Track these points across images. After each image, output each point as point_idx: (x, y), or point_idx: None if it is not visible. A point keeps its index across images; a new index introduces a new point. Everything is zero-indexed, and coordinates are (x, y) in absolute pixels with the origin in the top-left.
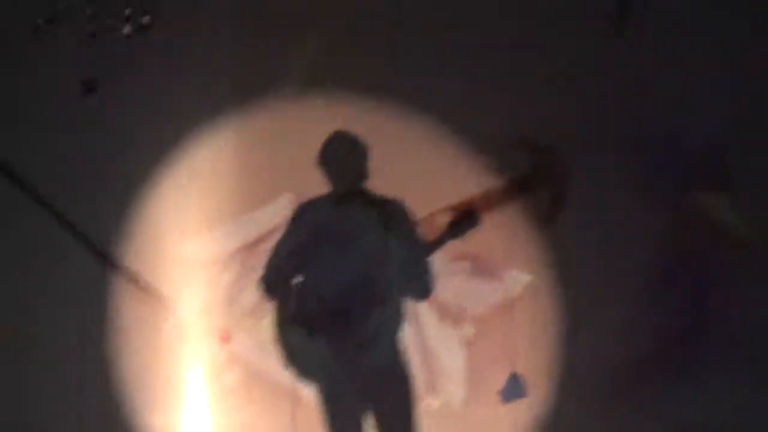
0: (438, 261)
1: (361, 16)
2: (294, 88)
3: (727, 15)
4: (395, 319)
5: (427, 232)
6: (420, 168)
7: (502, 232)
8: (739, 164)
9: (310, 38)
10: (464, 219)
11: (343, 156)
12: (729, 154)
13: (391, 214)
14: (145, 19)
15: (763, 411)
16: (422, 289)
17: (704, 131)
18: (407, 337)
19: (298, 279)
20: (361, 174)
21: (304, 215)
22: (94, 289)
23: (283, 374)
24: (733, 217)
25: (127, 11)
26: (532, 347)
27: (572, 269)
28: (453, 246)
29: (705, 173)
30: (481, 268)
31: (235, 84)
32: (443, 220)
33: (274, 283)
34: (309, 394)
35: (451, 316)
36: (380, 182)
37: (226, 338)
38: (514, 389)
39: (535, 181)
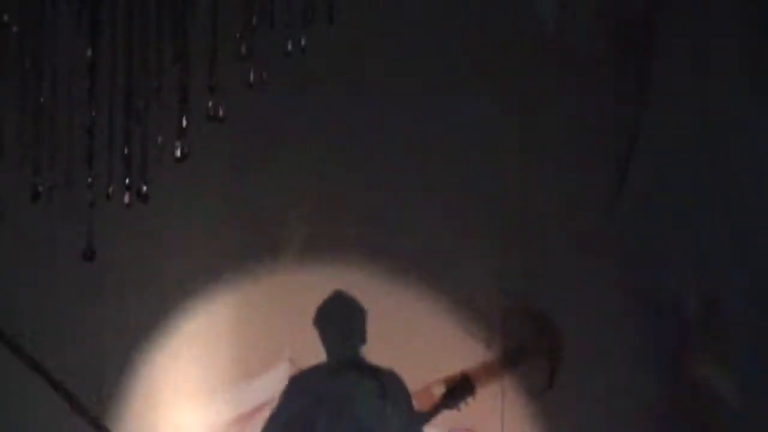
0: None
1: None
2: (289, 255)
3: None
4: None
5: (422, 403)
6: (413, 338)
7: (497, 404)
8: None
9: (298, 210)
10: (459, 389)
11: (341, 317)
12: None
13: (387, 385)
14: (144, 188)
15: None
16: None
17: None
18: None
19: None
20: (360, 337)
21: (299, 386)
22: None
23: None
24: (728, 389)
25: (127, 180)
26: None
27: None
28: (448, 417)
29: (702, 343)
30: None
31: (230, 250)
32: (438, 391)
33: None
34: None
35: None
36: (374, 351)
37: None
38: None
39: (531, 352)
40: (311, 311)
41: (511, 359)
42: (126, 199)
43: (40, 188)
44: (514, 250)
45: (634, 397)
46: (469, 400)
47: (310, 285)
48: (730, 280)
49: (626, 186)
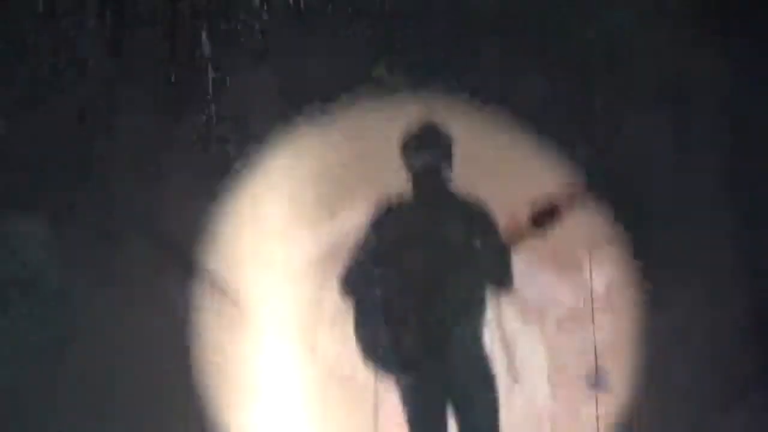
0: (520, 259)
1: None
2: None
3: None
4: (479, 316)
5: (509, 230)
6: (502, 171)
7: (584, 230)
8: None
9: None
10: (546, 215)
11: (428, 145)
12: None
13: (474, 214)
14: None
15: None
16: (505, 285)
17: None
18: (491, 333)
19: (378, 272)
20: (447, 166)
21: (386, 217)
22: (177, 292)
23: (365, 374)
24: None
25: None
26: (617, 341)
27: (659, 262)
28: (535, 244)
29: None
30: (563, 266)
31: (314, 88)
32: (525, 217)
33: (355, 282)
34: (391, 392)
35: (533, 313)
36: (461, 180)
37: (312, 347)
38: (598, 383)
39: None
40: (395, 146)
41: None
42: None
43: None
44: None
45: (715, 222)
46: (557, 225)
47: (395, 120)
48: None
49: None
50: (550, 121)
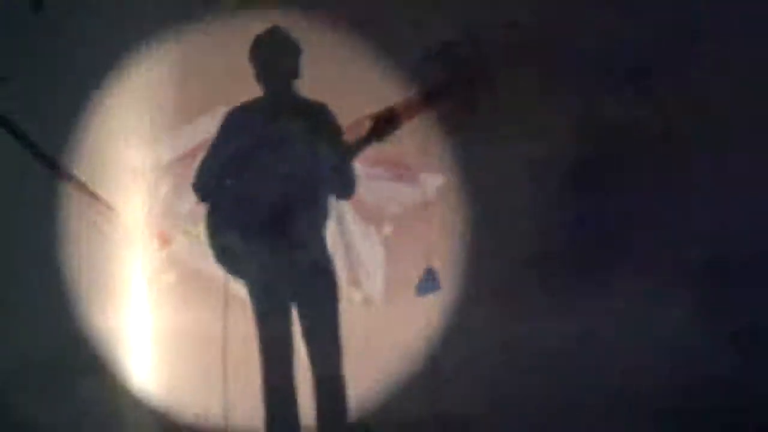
0: (359, 165)
1: None
2: (226, 6)
3: None
4: (323, 219)
5: (352, 137)
6: (345, 79)
7: (417, 139)
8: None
9: None
10: (385, 123)
11: (275, 49)
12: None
13: (319, 120)
14: None
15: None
16: (346, 189)
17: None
18: (332, 235)
19: (230, 183)
20: (293, 70)
21: (236, 121)
22: (45, 197)
23: (216, 272)
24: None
25: None
26: (446, 244)
27: (485, 170)
28: (373, 151)
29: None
30: (398, 172)
31: (170, 2)
32: (366, 126)
33: (207, 187)
34: (240, 289)
35: (371, 216)
36: (307, 89)
37: (165, 241)
38: (429, 283)
39: (451, 87)
40: (245, 57)
41: (432, 96)
42: None
43: None
44: None
45: (542, 130)
46: (395, 131)
47: (246, 33)
48: None
49: None
50: (387, 33)
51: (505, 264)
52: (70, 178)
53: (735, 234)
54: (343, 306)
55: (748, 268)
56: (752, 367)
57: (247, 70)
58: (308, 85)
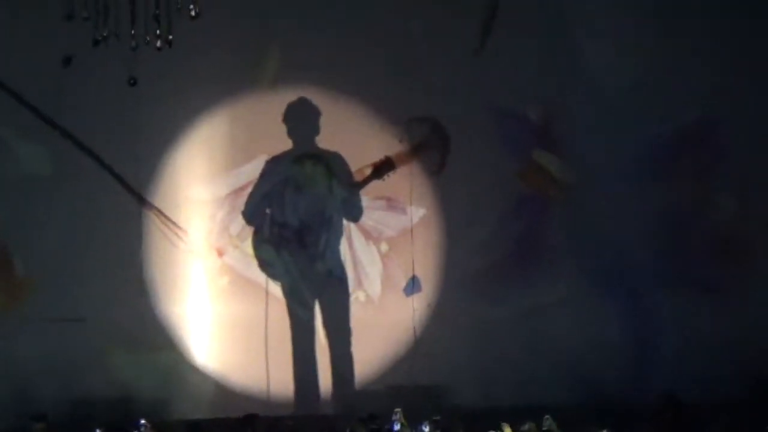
0: (364, 198)
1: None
2: (266, 85)
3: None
4: (336, 239)
5: (357, 177)
6: (353, 135)
7: (407, 180)
8: (565, 131)
9: (273, 52)
10: (384, 165)
11: (302, 113)
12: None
13: (333, 165)
14: (170, 37)
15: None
16: (354, 215)
17: (544, 110)
18: (344, 251)
19: (268, 211)
20: (314, 128)
21: (271, 168)
22: (131, 219)
23: (259, 277)
24: (559, 170)
25: (158, 31)
26: (426, 258)
27: (453, 205)
28: (374, 188)
29: (542, 138)
30: (393, 204)
31: (225, 78)
32: (368, 171)
33: (252, 214)
34: (276, 290)
35: (372, 237)
36: (324, 141)
37: (221, 253)
38: (413, 286)
39: (428, 146)
40: (279, 120)
41: (415, 150)
42: (158, 44)
43: (99, 38)
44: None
45: (494, 177)
46: (390, 173)
47: (281, 102)
48: None
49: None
50: (386, 99)
51: (468, 270)
52: (151, 206)
53: None
54: (352, 303)
55: None
56: None
57: (282, 130)
58: (325, 140)
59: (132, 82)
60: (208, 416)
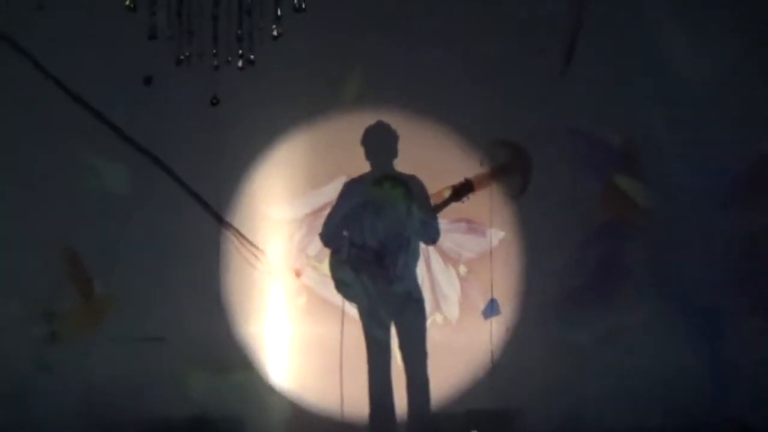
0: (443, 221)
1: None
2: (346, 103)
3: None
4: (414, 261)
5: (436, 202)
6: (432, 158)
7: (487, 203)
8: (646, 155)
9: (354, 73)
10: (463, 188)
11: (380, 137)
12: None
13: (412, 188)
14: (252, 56)
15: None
16: (432, 238)
17: (626, 133)
18: (421, 273)
19: (346, 233)
20: (393, 151)
21: (350, 190)
22: (211, 239)
23: (336, 298)
24: (639, 195)
25: (240, 52)
26: (505, 281)
27: (533, 228)
28: (454, 210)
29: (623, 162)
30: (472, 227)
31: (307, 101)
32: (447, 193)
33: (330, 236)
34: (354, 312)
35: (451, 259)
36: (402, 165)
37: (298, 274)
38: (492, 309)
39: (510, 168)
40: (358, 140)
41: (496, 173)
42: (239, 63)
43: (182, 57)
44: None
45: (574, 201)
46: (470, 196)
47: (359, 125)
48: None
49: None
50: (466, 122)
51: (547, 294)
52: (230, 227)
53: None
54: (429, 325)
55: None
56: None
57: (360, 152)
58: (404, 162)
59: (214, 101)
60: None
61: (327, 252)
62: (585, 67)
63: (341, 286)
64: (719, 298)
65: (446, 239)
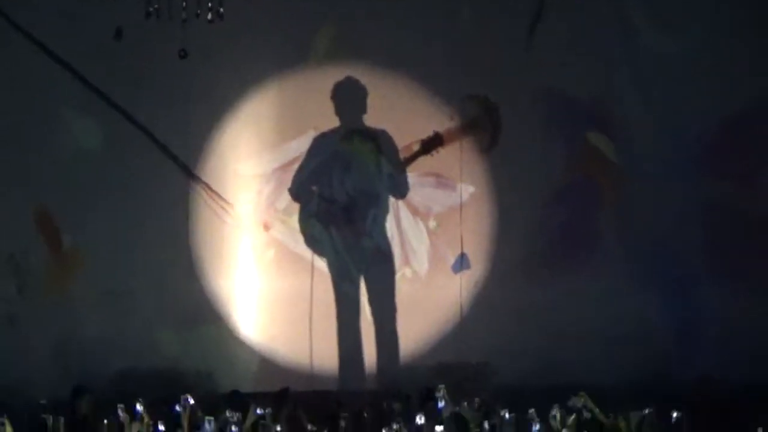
0: (412, 174)
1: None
2: (315, 58)
3: None
4: (383, 215)
5: (405, 154)
6: (401, 113)
7: (457, 157)
8: (617, 112)
9: (324, 28)
10: (432, 141)
11: (349, 92)
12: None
13: (381, 142)
14: (221, 9)
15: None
16: (401, 192)
17: (595, 93)
18: (391, 227)
19: (315, 187)
20: (362, 107)
21: (319, 145)
22: (180, 193)
23: (305, 252)
24: (611, 151)
25: (209, 3)
26: (474, 236)
27: (503, 183)
28: (423, 164)
29: (594, 121)
30: (442, 181)
31: (276, 56)
32: (416, 146)
33: (298, 191)
34: (322, 265)
35: (420, 213)
36: (372, 119)
37: (267, 228)
38: (461, 264)
39: (480, 123)
40: (328, 96)
41: (466, 127)
42: (209, 16)
43: (151, 9)
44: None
45: (546, 157)
46: (439, 150)
47: (329, 80)
48: None
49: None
50: (436, 79)
51: (517, 250)
52: (200, 180)
53: None
54: (398, 279)
55: None
56: None
57: (330, 106)
58: (373, 117)
59: (182, 54)
60: (251, 389)
61: (296, 206)
62: (556, 27)
63: (311, 241)
64: (686, 258)
65: (416, 193)
